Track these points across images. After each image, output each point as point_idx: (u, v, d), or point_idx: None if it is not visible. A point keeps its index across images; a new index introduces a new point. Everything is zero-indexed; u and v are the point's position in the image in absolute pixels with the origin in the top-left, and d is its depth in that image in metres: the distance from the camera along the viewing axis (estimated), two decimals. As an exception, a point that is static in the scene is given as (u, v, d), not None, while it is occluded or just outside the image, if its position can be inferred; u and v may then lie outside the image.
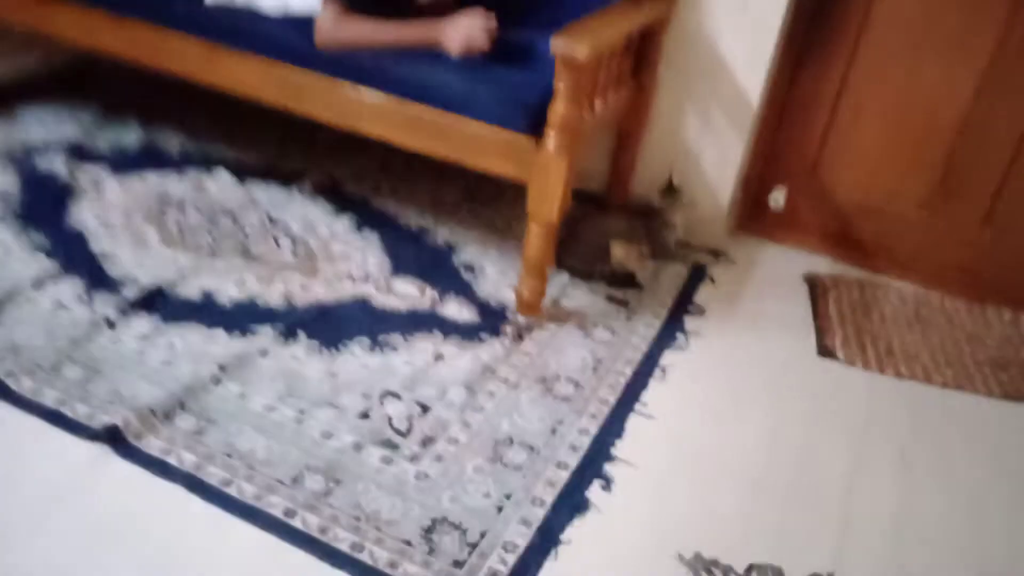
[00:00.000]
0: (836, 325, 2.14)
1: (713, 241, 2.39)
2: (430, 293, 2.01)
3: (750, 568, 1.44)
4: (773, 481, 1.64)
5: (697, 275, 2.27)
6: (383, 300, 1.97)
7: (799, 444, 1.74)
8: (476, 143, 1.84)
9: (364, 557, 1.36)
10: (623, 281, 2.16)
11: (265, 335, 1.80)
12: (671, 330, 2.03)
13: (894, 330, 2.15)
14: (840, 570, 1.46)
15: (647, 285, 2.18)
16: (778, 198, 2.42)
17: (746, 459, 1.68)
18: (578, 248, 2.20)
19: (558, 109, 1.72)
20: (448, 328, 1.90)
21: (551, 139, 1.75)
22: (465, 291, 2.04)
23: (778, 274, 2.33)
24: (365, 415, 1.63)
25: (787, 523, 1.55)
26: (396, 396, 1.69)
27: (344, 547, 1.38)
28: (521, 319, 1.96)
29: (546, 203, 1.80)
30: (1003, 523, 1.63)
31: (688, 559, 1.45)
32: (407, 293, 2.00)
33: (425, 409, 1.67)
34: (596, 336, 1.96)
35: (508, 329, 1.93)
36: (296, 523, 1.40)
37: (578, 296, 2.10)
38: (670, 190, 2.32)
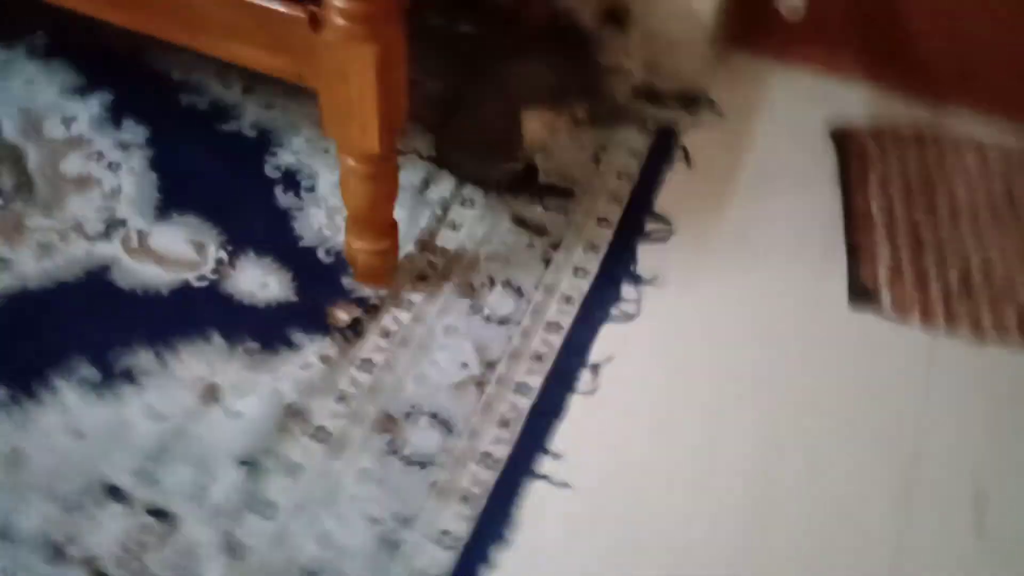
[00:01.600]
0: (880, 231, 1.35)
1: (689, 77, 1.52)
2: (215, 250, 1.22)
3: None
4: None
5: (662, 149, 1.44)
6: (132, 270, 1.19)
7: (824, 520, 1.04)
8: (211, 14, 0.96)
9: None
10: (544, 188, 1.35)
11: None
12: (614, 278, 1.25)
13: (971, 231, 1.36)
14: None
15: (583, 179, 1.37)
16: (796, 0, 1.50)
17: (732, 552, 1.00)
18: (466, 126, 1.36)
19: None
20: (238, 324, 1.14)
21: (336, 5, 0.88)
22: (278, 233, 1.25)
23: (791, 126, 1.49)
24: (55, 552, 0.94)
25: None
26: (118, 496, 0.98)
27: None
28: (365, 292, 1.19)
29: (354, 125, 0.96)
30: None
31: None
32: (175, 252, 1.22)
33: (164, 518, 0.97)
34: (490, 307, 1.19)
35: (340, 315, 1.16)
36: None
37: (468, 219, 1.30)
38: (616, 13, 1.42)
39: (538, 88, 1.37)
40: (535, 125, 1.36)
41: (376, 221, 1.10)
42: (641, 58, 1.45)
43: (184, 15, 0.99)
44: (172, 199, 1.28)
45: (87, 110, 1.38)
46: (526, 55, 1.40)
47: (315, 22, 0.91)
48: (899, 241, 1.34)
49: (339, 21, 0.88)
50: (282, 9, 0.91)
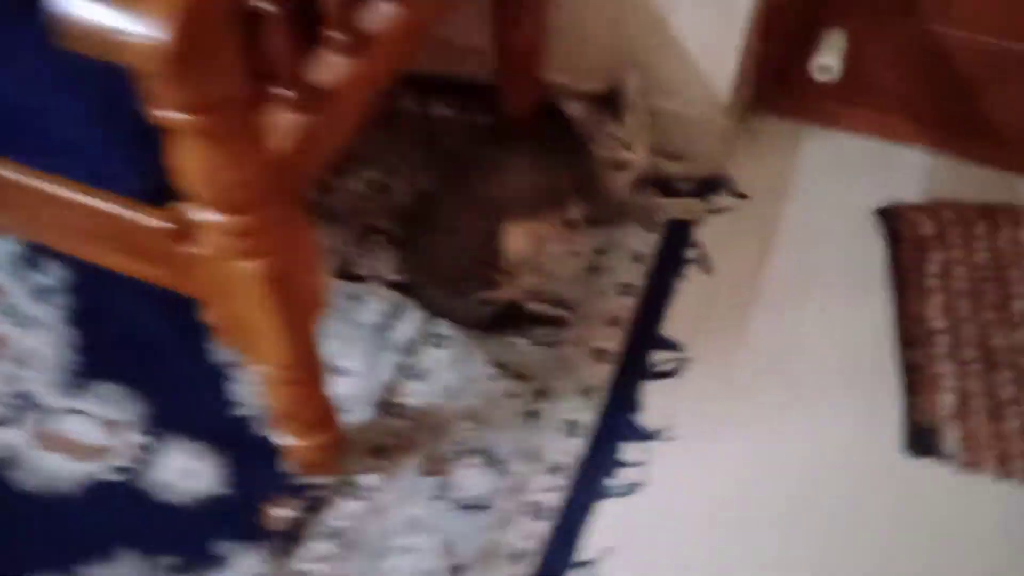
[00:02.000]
0: (941, 341, 1.10)
1: (705, 157, 1.27)
2: (134, 429, 1.03)
3: None
4: None
5: (672, 250, 1.20)
6: (37, 464, 1.00)
7: None
8: (85, 224, 0.76)
9: None
10: (530, 319, 1.13)
11: None
12: (613, 434, 1.03)
13: (1059, 338, 1.11)
14: None
15: (576, 298, 1.15)
16: (829, 60, 1.23)
17: None
18: (438, 245, 1.14)
19: (185, 150, 0.61)
20: (156, 532, 0.95)
21: (208, 222, 0.66)
22: (208, 400, 1.05)
23: (830, 204, 1.24)
24: None
25: None
26: None
27: None
28: (310, 481, 0.99)
29: (255, 336, 0.75)
30: None
31: None
32: (88, 435, 1.03)
33: None
34: (460, 486, 0.98)
35: (276, 515, 0.96)
36: None
37: (438, 364, 1.09)
38: (614, 93, 1.18)
39: (523, 191, 1.14)
40: (519, 239, 1.13)
41: (306, 418, 0.89)
42: (645, 141, 1.21)
43: (43, 215, 0.79)
44: (91, 360, 1.09)
45: (2, 245, 1.20)
46: (510, 149, 1.18)
47: (181, 238, 0.70)
48: (965, 354, 1.09)
49: (211, 237, 0.67)
50: (140, 219, 0.71)
